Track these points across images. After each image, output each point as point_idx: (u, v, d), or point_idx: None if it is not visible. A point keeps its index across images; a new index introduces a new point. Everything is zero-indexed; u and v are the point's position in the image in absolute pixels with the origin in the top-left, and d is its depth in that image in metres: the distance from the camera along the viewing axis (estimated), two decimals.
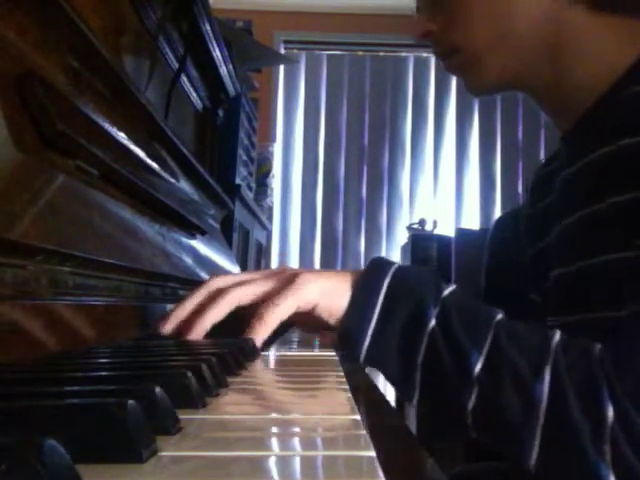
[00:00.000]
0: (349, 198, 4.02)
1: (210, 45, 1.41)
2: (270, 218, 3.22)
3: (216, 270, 1.22)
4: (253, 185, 2.27)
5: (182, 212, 0.98)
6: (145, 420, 0.25)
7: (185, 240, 1.04)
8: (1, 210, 0.46)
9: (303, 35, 4.02)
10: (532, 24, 0.65)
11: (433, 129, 4.06)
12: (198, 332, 0.60)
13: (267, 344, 0.75)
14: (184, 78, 1.36)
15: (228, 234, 1.70)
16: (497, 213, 3.95)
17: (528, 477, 0.51)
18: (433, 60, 4.00)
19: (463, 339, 0.53)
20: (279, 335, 0.88)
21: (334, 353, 0.69)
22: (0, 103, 0.51)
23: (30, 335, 0.49)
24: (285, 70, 4.02)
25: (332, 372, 0.55)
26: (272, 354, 0.73)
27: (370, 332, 0.56)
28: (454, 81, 4.02)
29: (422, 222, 3.60)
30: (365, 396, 0.56)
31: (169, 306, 0.67)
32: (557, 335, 0.52)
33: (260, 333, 0.59)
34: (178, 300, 0.65)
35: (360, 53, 4.10)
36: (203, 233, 1.15)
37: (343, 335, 0.58)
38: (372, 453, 0.27)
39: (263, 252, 2.64)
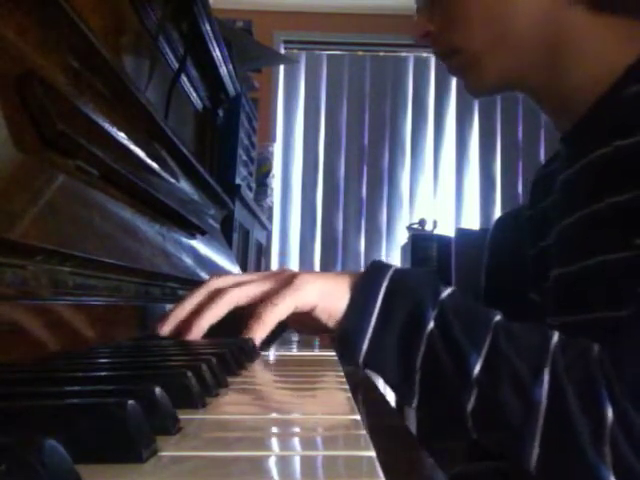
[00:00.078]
0: (349, 198, 4.02)
1: (210, 45, 1.41)
2: (270, 218, 3.23)
3: (216, 270, 1.22)
4: (253, 185, 2.27)
5: (182, 212, 0.98)
6: (145, 420, 0.25)
7: (185, 240, 1.04)
8: (1, 210, 0.46)
9: (303, 35, 4.02)
10: (531, 25, 0.64)
11: (433, 129, 4.06)
12: (196, 332, 0.60)
13: (266, 344, 0.75)
14: (184, 78, 1.36)
15: (228, 234, 1.70)
16: (497, 213, 3.95)
17: (528, 477, 0.51)
18: (433, 60, 4.00)
19: (462, 341, 0.53)
20: (278, 335, 0.88)
21: (334, 353, 0.69)
22: (0, 103, 0.51)
23: (30, 335, 0.49)
24: (285, 70, 4.02)
25: (332, 372, 0.55)
26: (272, 354, 0.73)
27: (369, 335, 0.56)
28: (454, 81, 4.02)
29: (422, 222, 3.61)
30: (365, 396, 0.56)
31: (169, 306, 0.67)
32: (556, 336, 0.53)
33: (258, 333, 0.59)
34: (178, 300, 0.65)
35: (360, 53, 4.10)
36: (203, 233, 1.15)
37: (342, 338, 0.58)
38: (372, 453, 0.27)
39: (263, 252, 2.64)
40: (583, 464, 0.47)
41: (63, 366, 0.45)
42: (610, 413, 0.47)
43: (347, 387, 0.45)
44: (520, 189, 3.95)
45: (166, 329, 0.63)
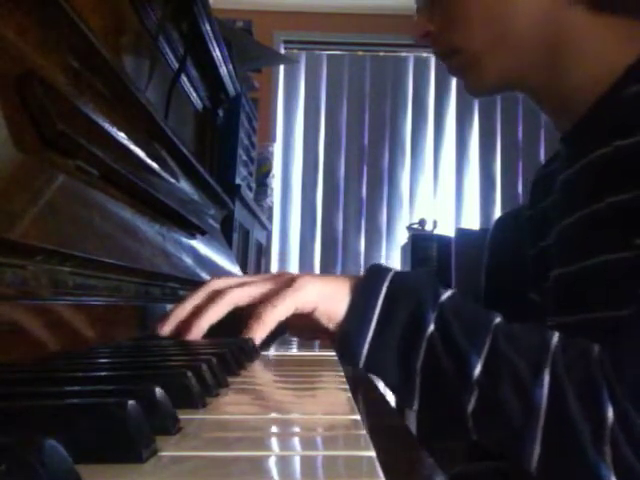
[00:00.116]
0: (349, 198, 4.02)
1: (210, 45, 1.41)
2: (270, 218, 3.23)
3: (216, 270, 1.22)
4: (253, 185, 2.27)
5: (182, 212, 0.98)
6: (145, 420, 0.25)
7: (185, 240, 1.04)
8: (1, 210, 0.46)
9: (303, 35, 4.02)
10: (531, 25, 0.64)
11: (433, 129, 4.06)
12: (196, 332, 0.60)
13: (266, 344, 0.75)
14: (184, 78, 1.36)
15: (228, 234, 1.70)
16: (497, 213, 3.96)
17: (528, 477, 0.51)
18: (433, 60, 4.00)
19: (462, 343, 0.53)
20: (277, 336, 0.88)
21: (334, 353, 0.69)
22: (0, 103, 0.51)
23: (30, 335, 0.49)
24: (285, 70, 4.02)
25: (332, 372, 0.55)
26: (272, 354, 0.73)
27: (369, 338, 0.56)
28: (454, 81, 4.02)
29: (422, 222, 3.61)
30: (365, 396, 0.56)
31: (169, 306, 0.67)
32: (556, 336, 0.53)
33: (258, 333, 0.59)
34: (178, 300, 0.65)
35: (360, 53, 4.10)
36: (203, 233, 1.15)
37: (342, 341, 0.58)
38: (372, 453, 0.27)
39: (263, 252, 2.64)
40: (584, 464, 0.47)
41: (63, 366, 0.45)
42: (611, 414, 0.47)
43: (347, 387, 0.45)
44: (520, 189, 3.95)
45: (166, 329, 0.63)
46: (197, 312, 0.61)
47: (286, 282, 0.61)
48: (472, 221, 3.96)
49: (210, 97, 1.62)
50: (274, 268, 3.86)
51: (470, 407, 0.52)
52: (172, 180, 1.08)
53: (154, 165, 0.95)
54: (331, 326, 0.59)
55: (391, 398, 0.61)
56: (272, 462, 0.26)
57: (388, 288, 0.58)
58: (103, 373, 0.41)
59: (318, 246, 4.01)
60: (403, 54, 4.08)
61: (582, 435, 0.47)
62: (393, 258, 3.88)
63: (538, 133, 3.93)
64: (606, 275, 0.60)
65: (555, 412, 0.48)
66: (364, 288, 0.58)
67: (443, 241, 3.00)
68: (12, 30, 0.57)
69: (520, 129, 4.00)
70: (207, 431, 0.31)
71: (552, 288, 0.72)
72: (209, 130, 1.65)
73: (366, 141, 4.06)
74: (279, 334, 0.88)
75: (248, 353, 0.58)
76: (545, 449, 0.49)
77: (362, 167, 4.04)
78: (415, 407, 0.55)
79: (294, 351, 0.83)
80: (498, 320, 0.55)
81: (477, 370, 0.52)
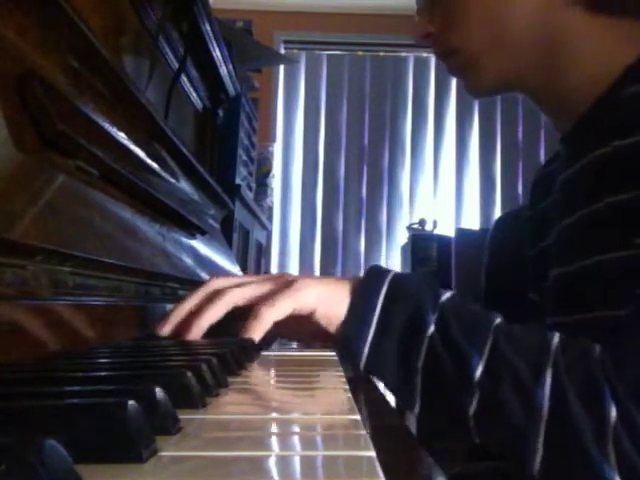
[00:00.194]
0: (349, 198, 4.02)
1: (210, 45, 1.41)
2: (270, 218, 3.22)
3: (216, 270, 1.22)
4: (253, 185, 2.27)
5: (182, 212, 0.98)
6: (145, 420, 0.25)
7: (185, 240, 1.04)
8: (1, 210, 0.46)
9: (303, 35, 4.02)
10: (529, 25, 0.65)
11: (433, 129, 4.06)
12: (196, 332, 0.60)
13: (267, 344, 0.75)
14: (184, 78, 1.36)
15: (228, 234, 1.70)
16: (497, 213, 3.96)
17: (528, 477, 0.51)
18: (433, 60, 4.00)
19: (463, 344, 0.53)
20: (275, 338, 0.88)
21: (334, 353, 0.69)
22: (0, 103, 0.51)
23: (30, 335, 0.49)
24: (285, 70, 4.02)
25: (332, 372, 0.55)
26: (272, 354, 0.73)
27: (369, 340, 0.56)
28: (454, 81, 4.02)
29: (422, 222, 3.61)
30: (365, 396, 0.56)
31: (169, 306, 0.67)
32: (556, 337, 0.52)
33: (255, 332, 0.59)
34: (178, 300, 0.65)
35: (360, 53, 4.10)
36: (203, 233, 1.15)
37: (342, 343, 0.58)
38: (372, 453, 0.27)
39: (263, 252, 2.64)
40: (587, 465, 0.47)
41: (63, 366, 0.45)
42: (613, 412, 0.46)
43: (347, 387, 0.45)
44: (520, 189, 3.95)
45: (166, 329, 0.63)
46: (196, 312, 0.61)
47: (285, 283, 0.61)
48: (472, 221, 3.96)
49: (210, 97, 1.62)
50: (274, 268, 3.86)
51: (471, 409, 0.51)
52: (172, 180, 1.08)
53: (154, 165, 0.95)
54: (331, 328, 0.59)
55: (391, 398, 0.61)
56: (272, 462, 0.26)
57: (388, 290, 0.57)
58: (103, 373, 0.41)
59: (318, 246, 4.01)
60: (403, 54, 4.08)
61: (584, 435, 0.47)
62: (393, 258, 3.88)
63: (538, 133, 3.93)
64: (605, 275, 0.60)
65: (557, 412, 0.48)
66: (364, 290, 0.58)
67: (443, 241, 3.00)
68: (12, 30, 0.57)
69: (520, 129, 4.00)
70: (207, 431, 0.31)
71: (551, 288, 0.72)
72: (209, 130, 1.65)
73: (366, 141, 4.06)
74: (274, 338, 0.88)
75: (248, 353, 0.58)
76: (547, 450, 0.49)
77: (362, 167, 4.04)
78: (416, 409, 0.55)
79: (294, 351, 0.83)
80: (498, 321, 0.55)
81: (478, 371, 0.51)
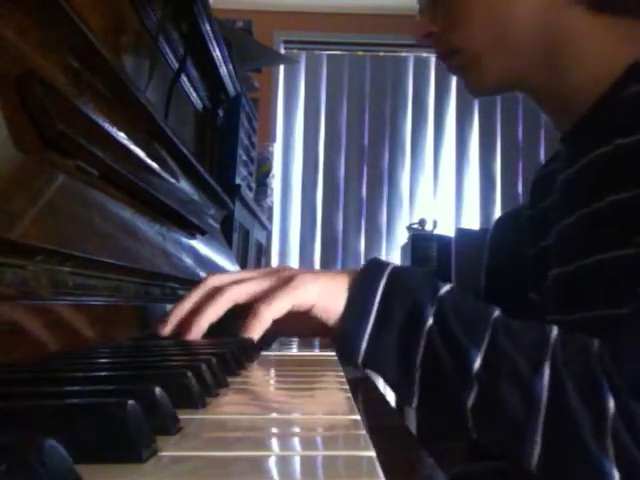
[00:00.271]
0: (349, 198, 4.02)
1: (210, 45, 1.41)
2: (270, 218, 3.22)
3: (216, 270, 1.22)
4: (253, 185, 2.27)
5: (182, 212, 0.98)
6: (145, 420, 0.25)
7: (185, 240, 1.04)
8: (1, 210, 0.46)
9: (303, 35, 4.02)
10: (531, 25, 0.65)
11: (433, 129, 4.06)
12: (197, 331, 0.60)
13: (267, 344, 0.75)
14: (184, 78, 1.36)
15: (228, 234, 1.70)
16: (497, 213, 3.95)
17: (528, 477, 0.51)
18: (433, 60, 4.00)
19: (461, 337, 0.53)
20: (276, 337, 0.88)
21: (334, 353, 0.69)
22: (0, 103, 0.51)
23: (30, 335, 0.49)
24: (285, 70, 4.02)
25: (332, 372, 0.55)
26: (272, 354, 0.73)
27: (367, 333, 0.56)
28: (454, 81, 4.02)
29: (422, 222, 3.61)
30: (365, 396, 0.56)
31: (169, 306, 0.67)
32: (555, 330, 0.52)
33: (255, 330, 0.59)
34: (177, 300, 0.65)
35: (360, 53, 4.10)
36: (203, 233, 1.15)
37: (340, 336, 0.58)
38: (372, 453, 0.27)
39: (263, 252, 2.64)
40: (585, 458, 0.47)
41: (63, 366, 0.45)
42: (612, 406, 0.46)
43: (347, 387, 0.45)
44: (520, 189, 3.95)
45: (167, 329, 0.63)
46: (196, 311, 0.61)
47: (284, 279, 0.61)
48: (472, 221, 3.96)
49: (210, 97, 1.62)
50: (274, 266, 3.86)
51: (470, 402, 0.51)
52: (172, 180, 1.08)
53: (154, 165, 0.95)
54: (330, 322, 0.59)
55: (391, 398, 0.61)
56: (272, 462, 0.26)
57: (386, 282, 0.57)
58: (103, 373, 0.41)
59: (318, 246, 4.01)
60: (403, 54, 4.08)
61: (583, 429, 0.47)
62: (393, 258, 3.87)
63: (538, 133, 3.93)
64: (606, 273, 0.60)
65: (555, 405, 0.48)
66: (362, 283, 0.58)
67: (443, 241, 3.00)
68: (12, 30, 0.57)
69: (520, 129, 4.00)
70: (207, 431, 0.31)
71: (551, 288, 0.72)
72: (209, 130, 1.65)
73: (366, 141, 4.06)
74: (274, 337, 0.88)
75: (248, 353, 0.58)
76: (546, 444, 0.49)
77: (362, 167, 4.04)
78: (414, 403, 0.55)
79: (294, 351, 0.83)
80: (497, 314, 0.55)
81: (476, 364, 0.51)
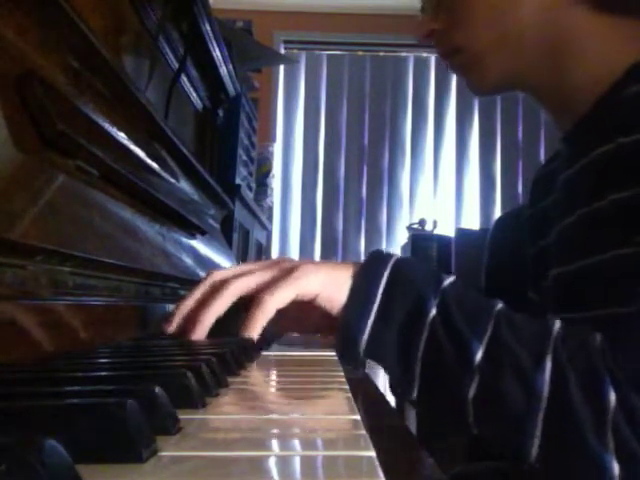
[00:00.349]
0: (349, 198, 4.02)
1: (210, 45, 1.41)
2: (270, 218, 3.23)
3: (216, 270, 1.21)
4: (253, 185, 2.27)
5: (182, 212, 0.98)
6: (145, 420, 0.25)
7: (185, 240, 1.04)
8: (1, 210, 0.46)
9: (303, 35, 4.02)
10: (533, 24, 0.65)
11: (433, 129, 4.06)
12: (203, 326, 0.60)
13: (267, 344, 0.75)
14: (184, 78, 1.36)
15: (228, 234, 1.70)
16: (497, 213, 3.95)
17: (528, 477, 0.50)
18: (433, 60, 4.00)
19: (464, 328, 0.52)
20: (276, 337, 0.88)
21: (334, 353, 0.69)
22: (0, 103, 0.51)
23: (30, 335, 0.49)
24: (285, 70, 4.02)
25: (332, 372, 0.55)
26: (272, 354, 0.73)
27: (370, 322, 0.56)
28: (454, 81, 4.02)
29: (422, 222, 3.61)
30: (365, 396, 0.56)
31: (169, 306, 0.67)
32: (557, 324, 0.52)
33: (259, 321, 0.59)
34: (178, 299, 0.65)
35: (360, 53, 4.10)
36: (203, 233, 1.15)
37: (343, 326, 0.58)
38: (372, 453, 0.27)
39: (263, 252, 2.64)
40: (585, 453, 0.47)
41: (63, 366, 0.45)
42: (613, 398, 0.46)
43: (347, 387, 0.45)
44: (520, 189, 3.95)
45: (172, 327, 0.63)
46: (202, 305, 0.61)
47: (287, 270, 0.60)
48: (472, 221, 3.96)
49: (210, 97, 1.62)
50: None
51: (471, 394, 0.51)
52: (172, 180, 1.08)
53: (154, 165, 0.95)
54: (334, 312, 0.58)
55: (391, 398, 0.61)
56: (272, 462, 0.26)
57: (390, 273, 0.57)
58: (103, 373, 0.41)
59: (318, 246, 4.01)
60: (403, 54, 4.08)
61: (584, 425, 0.47)
62: None
63: (538, 133, 3.93)
64: (606, 273, 0.60)
65: (557, 399, 0.48)
66: (366, 273, 0.58)
67: (443, 241, 3.00)
68: (12, 30, 0.57)
69: (520, 129, 4.00)
70: (207, 431, 0.31)
71: (551, 287, 0.72)
72: (209, 130, 1.65)
73: (366, 141, 4.06)
74: (274, 337, 0.88)
75: (248, 353, 0.58)
76: (546, 438, 0.48)
77: (362, 167, 4.04)
78: (414, 394, 0.54)
79: (294, 351, 0.83)
80: (500, 306, 0.55)
81: (478, 356, 0.51)
